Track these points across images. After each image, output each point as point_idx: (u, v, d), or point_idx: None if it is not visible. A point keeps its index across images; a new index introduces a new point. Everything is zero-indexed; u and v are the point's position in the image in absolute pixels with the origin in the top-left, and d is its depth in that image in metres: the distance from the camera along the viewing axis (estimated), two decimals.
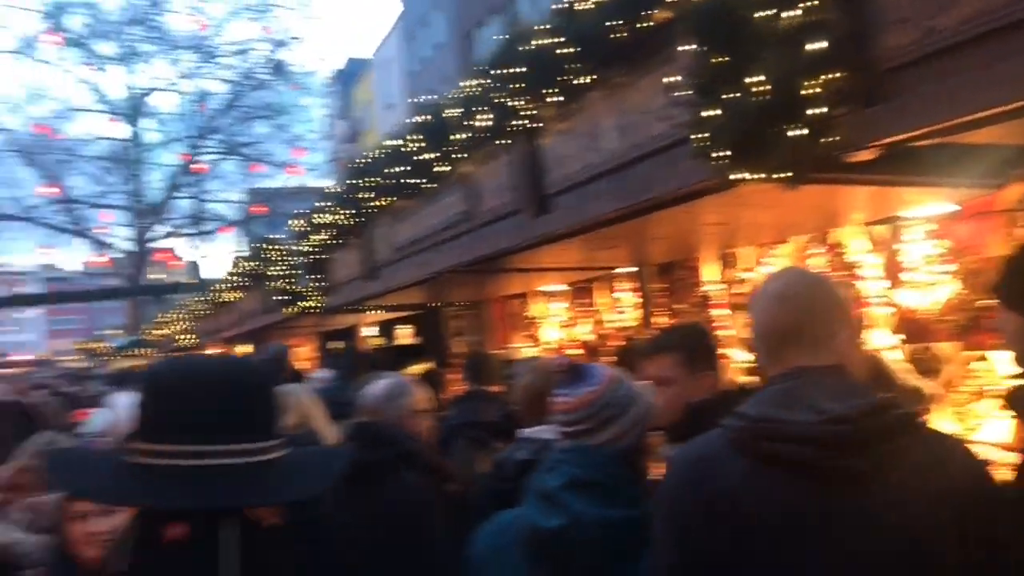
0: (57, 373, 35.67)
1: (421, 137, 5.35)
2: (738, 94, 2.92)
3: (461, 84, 4.71)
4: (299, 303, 9.76)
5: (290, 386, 4.83)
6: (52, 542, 2.37)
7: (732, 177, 2.87)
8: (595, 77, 3.82)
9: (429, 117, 5.23)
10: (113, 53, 34.81)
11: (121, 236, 36.18)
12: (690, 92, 3.06)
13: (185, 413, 1.29)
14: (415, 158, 5.36)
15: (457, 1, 33.79)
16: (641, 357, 2.65)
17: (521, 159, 4.64)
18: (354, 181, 6.66)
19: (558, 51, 3.68)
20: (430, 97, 5.34)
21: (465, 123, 4.70)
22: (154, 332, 27.53)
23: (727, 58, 2.99)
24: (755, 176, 2.96)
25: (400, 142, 5.71)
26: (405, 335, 15.20)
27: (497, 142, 4.63)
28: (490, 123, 4.54)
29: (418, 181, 5.66)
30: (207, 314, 18.14)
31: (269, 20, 35.35)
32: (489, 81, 4.46)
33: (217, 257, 67.38)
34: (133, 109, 35.44)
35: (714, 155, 2.85)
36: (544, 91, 3.99)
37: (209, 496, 1.25)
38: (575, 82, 3.83)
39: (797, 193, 3.23)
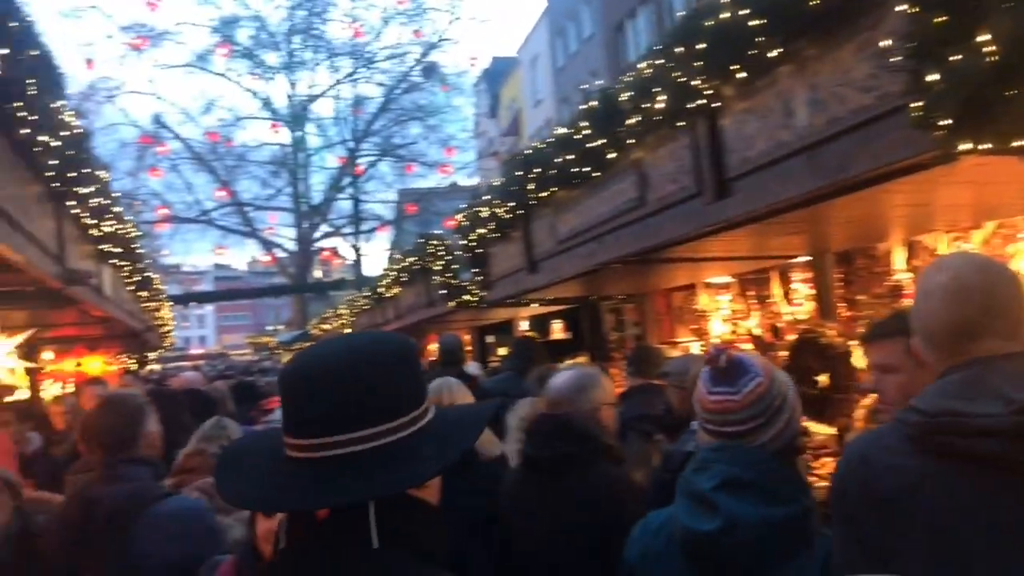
0: (227, 365, 38.13)
1: (588, 124, 5.23)
2: (962, 56, 2.63)
3: (637, 65, 4.54)
4: (460, 297, 9.89)
5: (442, 379, 4.76)
6: (244, 535, 2.40)
7: (960, 148, 2.57)
8: (784, 49, 3.56)
9: (595, 103, 5.10)
10: (277, 63, 36.87)
11: (286, 236, 38.29)
12: (905, 58, 2.77)
13: (306, 405, 1.30)
14: (586, 145, 5.24)
15: None
16: (864, 342, 2.46)
17: (699, 141, 4.43)
18: (517, 173, 6.62)
19: (748, 23, 3.45)
20: (597, 83, 5.21)
21: (641, 106, 4.54)
22: (319, 327, 28.87)
23: (947, 17, 2.70)
24: (983, 147, 2.65)
25: (565, 130, 5.62)
26: (558, 329, 15.19)
27: (677, 124, 4.44)
28: (666, 104, 4.36)
29: (585, 169, 5.54)
30: (368, 309, 18.80)
31: (422, 24, 36.43)
32: (663, 61, 4.28)
33: (375, 255, 70.25)
34: (295, 115, 37.36)
35: (939, 124, 2.57)
36: (728, 67, 3.77)
37: (342, 490, 1.26)
38: (763, 56, 3.59)
39: (1014, 168, 2.90)
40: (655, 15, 30.07)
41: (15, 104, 3.89)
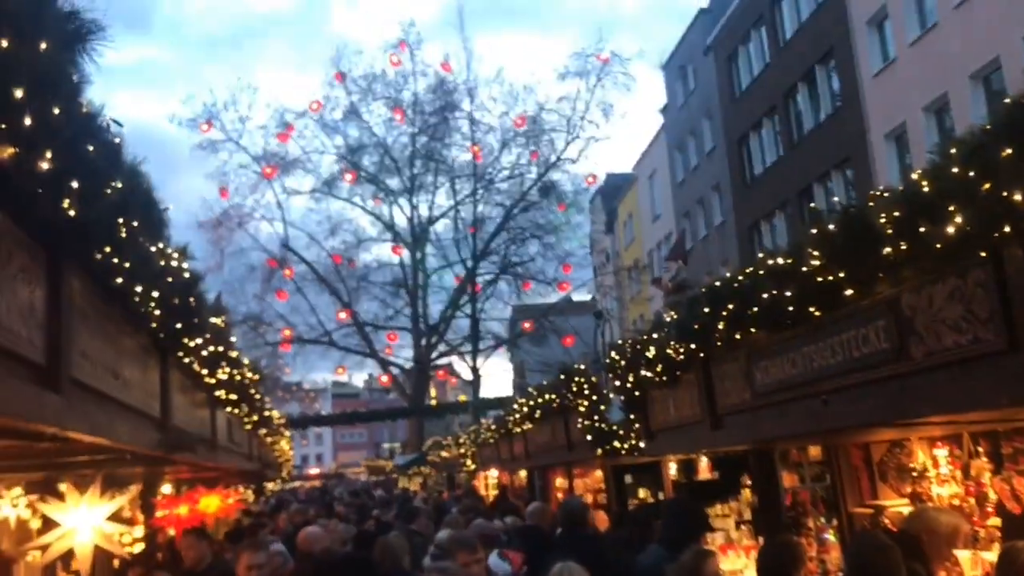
0: (347, 488, 37.49)
1: (819, 253, 4.00)
2: None
3: (911, 176, 3.31)
4: (610, 443, 8.59)
5: (563, 565, 4.35)
6: None
7: None
8: None
9: (833, 227, 3.88)
10: (399, 186, 37.55)
11: (404, 357, 38.01)
12: None
13: None
14: (816, 279, 4.00)
15: (728, 108, 32.83)
16: None
17: (1010, 278, 3.12)
18: (702, 309, 5.40)
19: None
20: (848, 202, 3.99)
21: (914, 230, 3.28)
22: (437, 453, 27.88)
23: None
24: None
25: (780, 261, 4.40)
26: (704, 468, 13.54)
27: (975, 252, 3.15)
28: (959, 227, 3.09)
29: (808, 309, 4.28)
30: (491, 442, 17.61)
31: (540, 145, 36.55)
32: (959, 169, 3.04)
33: (492, 375, 69.73)
34: (416, 237, 37.67)
35: None
36: None
37: None
38: None
39: None
40: (783, 126, 29.01)
41: (105, 249, 2.99)
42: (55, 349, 2.78)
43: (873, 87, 21.96)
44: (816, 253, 3.93)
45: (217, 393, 7.18)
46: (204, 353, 5.25)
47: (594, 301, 40.38)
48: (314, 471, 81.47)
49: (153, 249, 3.31)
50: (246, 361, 7.44)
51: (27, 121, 2.00)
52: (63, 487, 6.00)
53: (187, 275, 4.14)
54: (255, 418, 10.52)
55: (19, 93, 2.00)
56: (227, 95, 34.61)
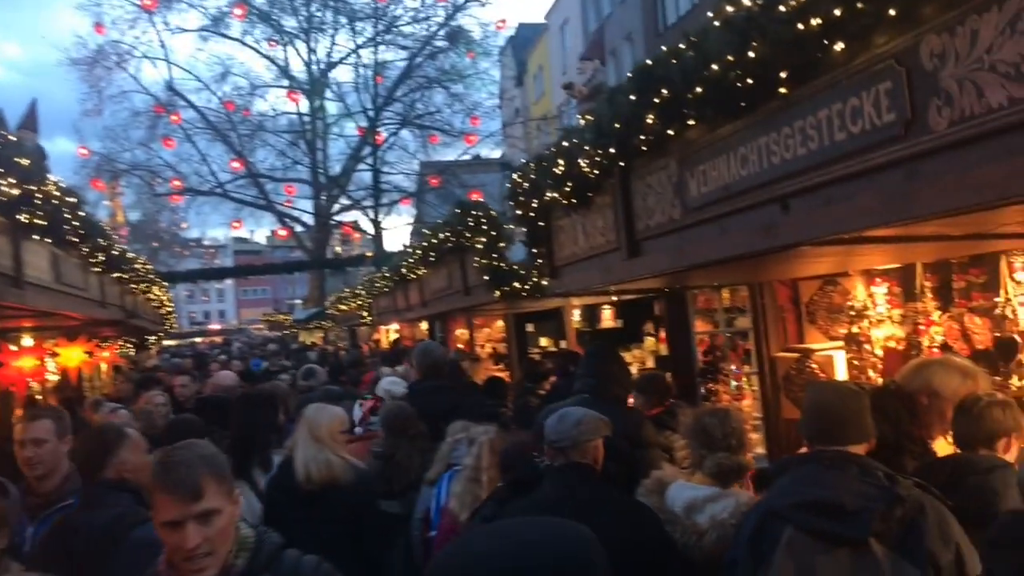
0: (246, 341, 36.21)
1: None
2: None
3: None
4: (509, 284, 7.51)
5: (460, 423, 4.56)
6: None
7: None
8: None
9: None
10: (295, 27, 34.54)
11: (304, 210, 36.16)
12: None
13: None
14: (796, 27, 2.79)
15: None
16: None
17: None
18: (626, 98, 4.15)
19: None
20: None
21: None
22: (336, 306, 26.73)
23: None
24: None
25: (744, 3, 3.15)
26: (608, 317, 12.88)
27: None
28: None
29: (780, 75, 3.10)
30: (387, 291, 16.45)
31: None
32: None
33: (397, 229, 67.99)
34: (314, 83, 35.11)
35: None
36: None
37: None
38: None
39: None
40: None
41: None
42: None
43: None
44: None
45: (20, 216, 5.68)
46: None
47: (503, 157, 38.88)
48: (215, 327, 79.84)
49: None
50: (53, 179, 5.87)
51: None
52: None
53: None
54: (101, 258, 9.01)
55: None
56: None
